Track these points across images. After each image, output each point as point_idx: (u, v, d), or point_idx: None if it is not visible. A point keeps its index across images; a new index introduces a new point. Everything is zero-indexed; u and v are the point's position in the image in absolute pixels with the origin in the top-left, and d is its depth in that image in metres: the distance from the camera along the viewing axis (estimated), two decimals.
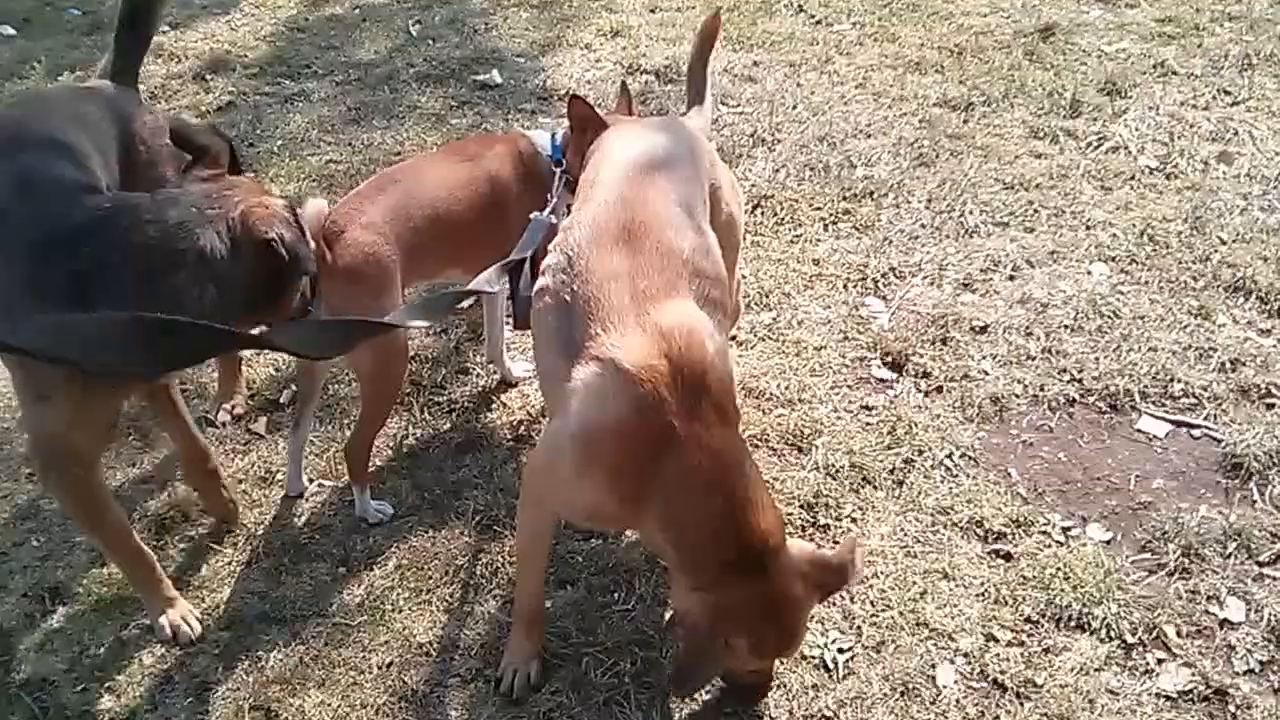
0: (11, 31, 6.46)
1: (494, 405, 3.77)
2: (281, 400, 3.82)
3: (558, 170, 3.37)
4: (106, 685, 2.95)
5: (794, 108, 5.18)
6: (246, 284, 2.69)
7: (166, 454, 3.62)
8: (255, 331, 2.79)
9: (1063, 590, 3.04)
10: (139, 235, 2.55)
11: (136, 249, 2.54)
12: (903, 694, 2.84)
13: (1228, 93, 5.26)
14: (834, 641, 2.95)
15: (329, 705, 2.90)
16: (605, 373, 2.41)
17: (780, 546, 2.48)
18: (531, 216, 3.16)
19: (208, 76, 5.76)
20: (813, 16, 6.05)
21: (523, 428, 3.67)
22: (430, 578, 3.22)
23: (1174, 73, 5.42)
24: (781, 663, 2.84)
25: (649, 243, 2.57)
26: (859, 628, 2.99)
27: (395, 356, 3.28)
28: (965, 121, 5.08)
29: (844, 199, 4.60)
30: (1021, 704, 2.81)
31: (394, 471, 3.55)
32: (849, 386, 3.78)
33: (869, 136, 5.00)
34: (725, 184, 3.10)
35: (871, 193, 4.63)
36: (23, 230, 2.52)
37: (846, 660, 2.91)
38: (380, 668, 2.99)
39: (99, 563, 3.28)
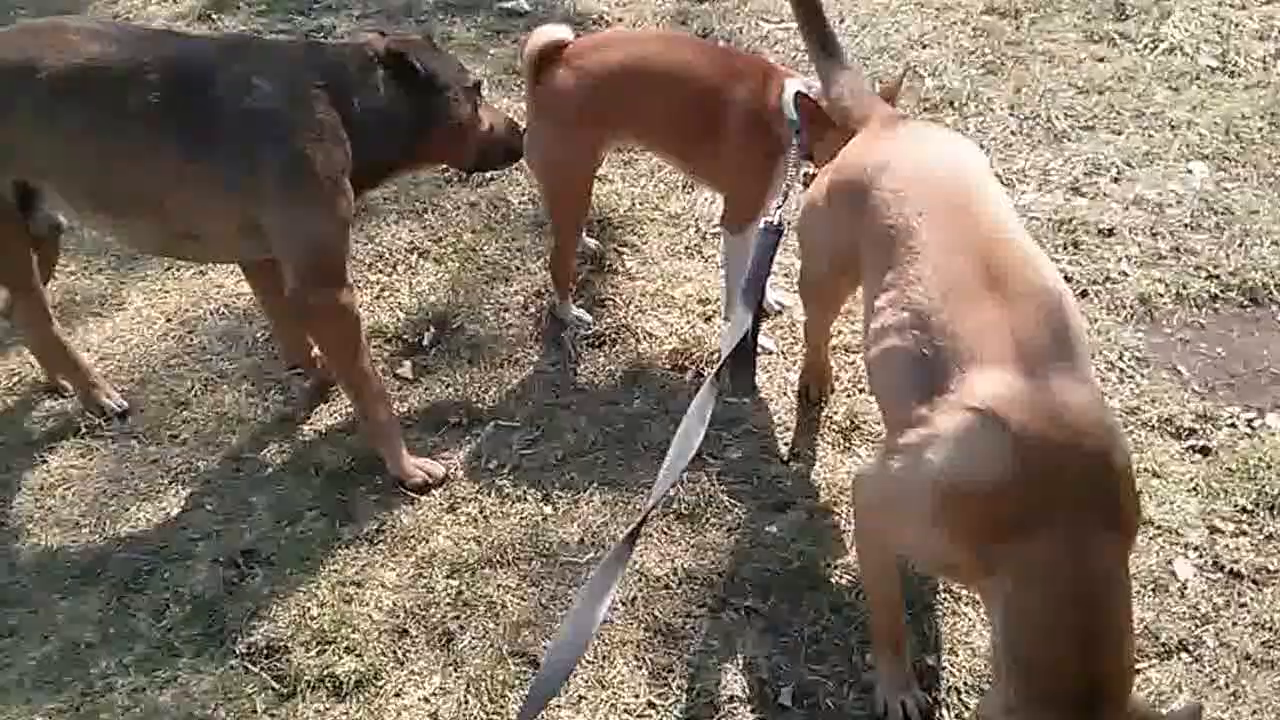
0: None
1: (640, 335, 3.68)
2: (424, 342, 3.67)
3: (795, 147, 3.13)
4: (344, 646, 2.82)
5: (840, 20, 5.08)
6: (399, 100, 2.99)
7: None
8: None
9: (1270, 479, 3.12)
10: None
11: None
12: (1153, 590, 2.89)
13: None
14: None
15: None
16: (981, 427, 2.12)
17: (1123, 699, 2.04)
18: (761, 223, 2.97)
19: (214, 15, 5.38)
20: None
21: (679, 357, 3.59)
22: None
23: None
24: None
25: (1017, 287, 2.27)
26: None
27: (569, 193, 3.48)
28: (1017, 28, 5.08)
29: (924, 110, 4.58)
30: (1261, 590, 2.89)
31: (566, 408, 3.45)
32: None
33: (925, 46, 4.97)
34: None
35: (951, 102, 4.61)
36: None
37: None
38: (625, 604, 2.92)
39: (284, 520, 3.13)
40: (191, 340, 3.69)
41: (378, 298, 3.82)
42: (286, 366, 3.56)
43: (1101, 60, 4.85)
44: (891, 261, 2.43)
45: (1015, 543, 2.06)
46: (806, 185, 3.16)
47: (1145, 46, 4.91)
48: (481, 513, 3.15)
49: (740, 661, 2.80)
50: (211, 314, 3.78)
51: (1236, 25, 5.01)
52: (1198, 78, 4.74)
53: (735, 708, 2.70)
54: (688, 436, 2.39)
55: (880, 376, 2.50)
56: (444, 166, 3.78)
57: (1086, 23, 5.06)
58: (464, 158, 3.29)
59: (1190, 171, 4.28)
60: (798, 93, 3.10)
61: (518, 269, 3.94)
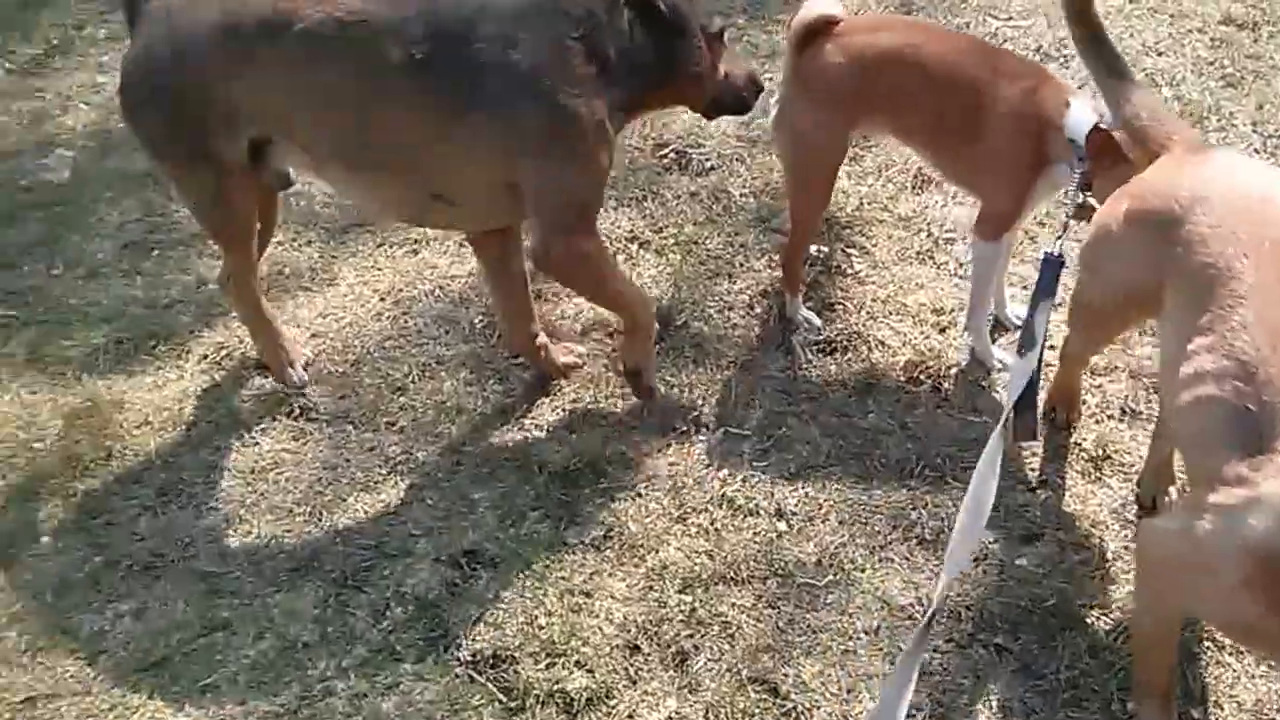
0: None
1: (872, 344, 3.44)
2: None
3: (1074, 174, 2.92)
4: (574, 660, 2.64)
5: None
6: (645, 42, 2.90)
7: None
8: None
9: None
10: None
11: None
12: None
13: None
14: None
15: (829, 676, 2.63)
16: None
17: None
18: (1043, 252, 2.82)
19: None
20: None
21: (914, 369, 3.35)
22: (880, 533, 2.94)
23: None
24: None
25: None
26: None
27: (815, 175, 3.31)
28: (1255, 41, 4.73)
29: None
30: None
31: (797, 417, 3.23)
32: None
33: (1161, 54, 4.65)
34: None
35: (1190, 114, 4.29)
36: None
37: None
38: (868, 633, 2.72)
39: (508, 520, 2.96)
40: (406, 322, 3.54)
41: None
42: (511, 353, 3.40)
43: None
44: (1209, 303, 2.23)
45: None
46: (1077, 217, 3.00)
47: None
48: (713, 525, 2.96)
49: (993, 703, 2.59)
50: (426, 295, 3.63)
51: None
52: None
53: None
54: (980, 493, 2.24)
55: (1191, 425, 2.29)
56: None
57: None
58: (702, 102, 3.19)
59: None
60: (1094, 125, 2.88)
61: (741, 265, 3.73)
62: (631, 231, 3.84)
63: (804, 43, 3.15)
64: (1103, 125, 2.87)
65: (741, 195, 3.99)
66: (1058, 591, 2.79)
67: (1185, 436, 2.38)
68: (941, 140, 3.23)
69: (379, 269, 3.74)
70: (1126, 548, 2.88)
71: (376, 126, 2.82)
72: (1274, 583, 1.99)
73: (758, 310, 3.58)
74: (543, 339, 3.31)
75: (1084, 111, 2.95)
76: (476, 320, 3.53)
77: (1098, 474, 3.09)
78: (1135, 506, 3.00)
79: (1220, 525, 2.08)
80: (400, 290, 3.65)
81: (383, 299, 3.62)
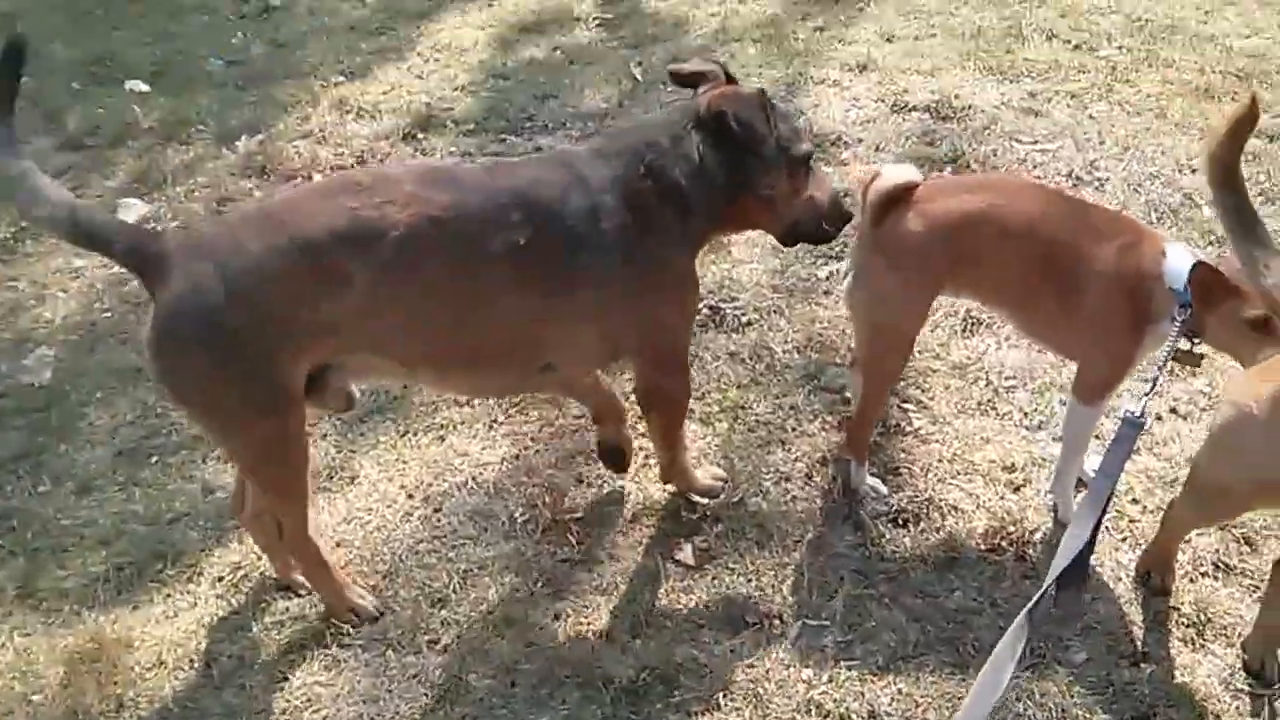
0: (144, 88, 5.71)
1: (945, 510, 3.16)
2: (704, 514, 3.18)
3: (1177, 318, 2.75)
4: None
5: (1102, 143, 4.65)
6: (714, 162, 2.81)
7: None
8: None
9: None
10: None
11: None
12: None
13: None
14: None
15: None
16: None
17: None
18: (1123, 413, 2.63)
19: (419, 135, 5.06)
20: (1068, 42, 5.51)
21: (994, 536, 3.08)
22: None
23: None
24: None
25: None
26: None
27: (893, 345, 3.12)
28: None
29: (1207, 243, 4.07)
30: None
31: (877, 601, 2.94)
32: None
33: (1195, 171, 4.47)
34: None
35: None
36: None
37: None
38: None
39: None
40: (440, 521, 3.22)
41: (642, 467, 3.35)
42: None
43: None
44: None
45: None
46: (1185, 361, 2.88)
47: None
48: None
49: None
50: (458, 488, 3.31)
51: None
52: None
53: None
54: (995, 679, 2.12)
55: None
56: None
57: None
58: (778, 226, 3.04)
59: None
60: (1198, 262, 2.70)
61: (794, 430, 3.45)
62: None
63: (884, 210, 2.95)
64: (1205, 261, 2.71)
65: (784, 351, 3.74)
66: None
67: None
68: (1034, 305, 3.03)
69: (404, 461, 3.43)
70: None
71: (482, 318, 2.69)
72: None
73: (817, 479, 3.30)
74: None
75: (1181, 257, 2.78)
76: (517, 513, 3.22)
77: (1201, 640, 2.85)
78: (1244, 673, 2.77)
79: None
80: (429, 484, 3.33)
81: (410, 496, 3.30)
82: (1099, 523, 2.46)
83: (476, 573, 3.06)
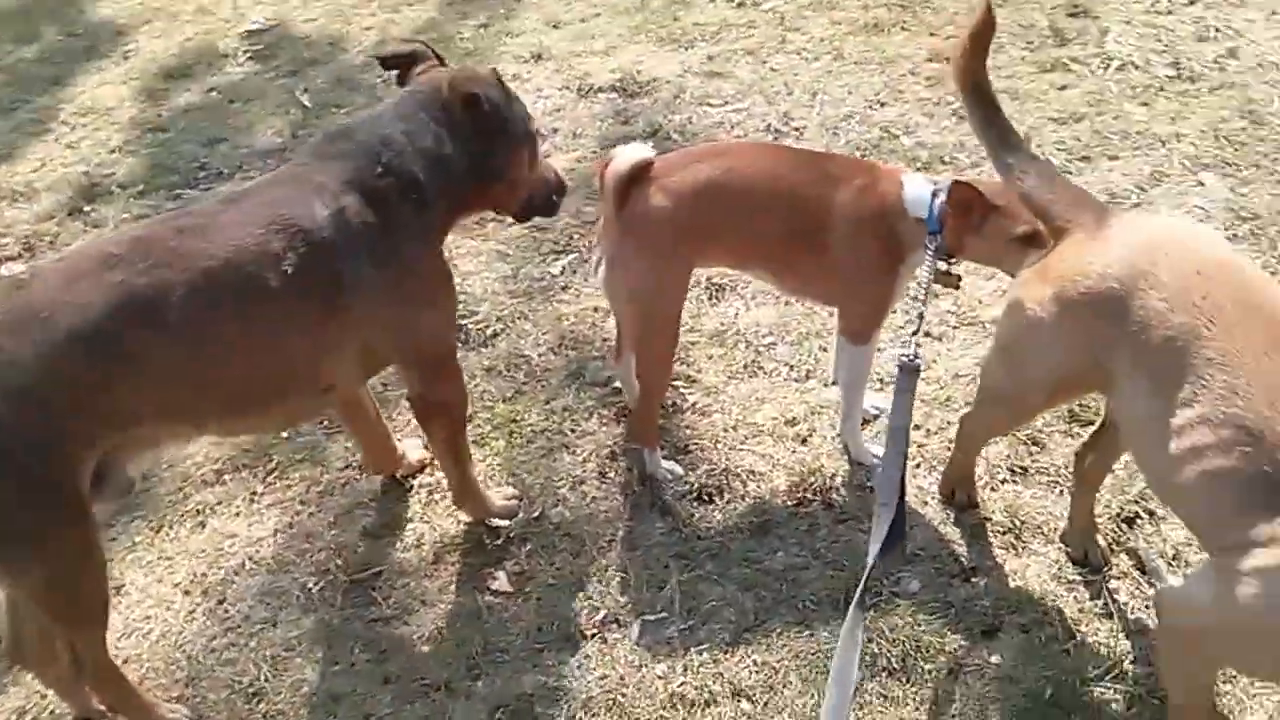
0: None
1: (743, 476, 3.15)
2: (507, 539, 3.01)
3: (929, 246, 2.81)
4: None
5: (790, 93, 4.74)
6: (465, 146, 2.71)
7: None
8: None
9: None
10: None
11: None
12: None
13: None
14: None
15: None
16: None
17: None
18: (899, 360, 2.71)
19: (85, 208, 4.58)
20: (731, 0, 5.54)
21: (798, 491, 3.09)
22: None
23: None
24: None
25: None
26: None
27: (660, 326, 3.02)
28: None
29: (918, 168, 4.21)
30: None
31: (707, 580, 2.89)
32: None
33: (884, 105, 4.63)
34: None
35: (941, 158, 4.28)
36: None
37: None
38: None
39: None
40: (227, 612, 2.92)
41: (428, 504, 3.15)
42: (378, 474, 3.28)
43: (1064, 88, 4.61)
44: (1184, 376, 2.17)
45: None
46: (944, 283, 2.91)
47: (1098, 67, 4.72)
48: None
49: None
50: (236, 573, 3.02)
51: (1172, 31, 4.89)
52: (1161, 89, 4.56)
53: None
54: (845, 666, 2.28)
55: (1203, 498, 2.20)
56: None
57: (1032, 53, 4.83)
58: (516, 204, 3.01)
59: (1202, 183, 4.07)
60: (954, 181, 2.76)
61: (573, 432, 3.34)
62: None
63: (625, 193, 2.86)
64: (962, 180, 2.77)
65: (540, 355, 3.62)
66: (1047, 680, 2.61)
67: (1199, 512, 2.30)
68: (788, 261, 3.03)
69: (168, 558, 3.08)
70: (1082, 610, 2.76)
71: (270, 356, 2.53)
72: None
73: (612, 475, 3.22)
74: (400, 448, 3.23)
75: (920, 185, 2.86)
76: (310, 584, 2.96)
77: (1020, 543, 2.95)
78: (1072, 565, 2.87)
79: (1268, 586, 2.02)
80: (204, 576, 3.02)
81: (187, 593, 2.98)
82: (903, 478, 2.55)
83: (285, 655, 2.80)
